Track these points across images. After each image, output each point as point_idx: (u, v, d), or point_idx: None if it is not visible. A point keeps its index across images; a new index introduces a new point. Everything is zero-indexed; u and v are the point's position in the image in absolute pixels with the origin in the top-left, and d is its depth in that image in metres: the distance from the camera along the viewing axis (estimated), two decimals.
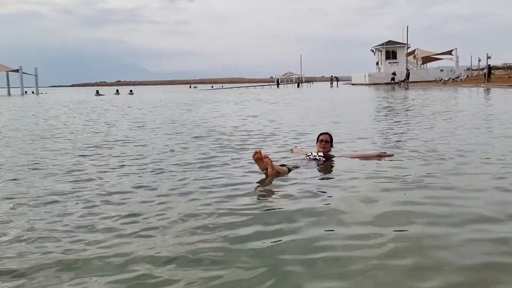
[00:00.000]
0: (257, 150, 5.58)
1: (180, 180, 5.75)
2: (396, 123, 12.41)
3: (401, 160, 6.60)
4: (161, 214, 4.25)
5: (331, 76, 79.66)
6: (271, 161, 5.43)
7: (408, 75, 55.41)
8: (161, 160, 7.16)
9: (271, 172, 5.42)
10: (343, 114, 17.13)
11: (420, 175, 5.49)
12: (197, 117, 16.35)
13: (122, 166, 6.65)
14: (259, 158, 5.42)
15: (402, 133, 10.18)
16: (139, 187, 5.34)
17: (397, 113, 16.57)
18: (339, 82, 75.34)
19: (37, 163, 7.07)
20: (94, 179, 5.80)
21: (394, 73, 57.40)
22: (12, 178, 5.94)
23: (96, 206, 4.49)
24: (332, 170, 6.11)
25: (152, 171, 6.29)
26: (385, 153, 6.86)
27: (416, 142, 8.48)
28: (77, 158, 7.47)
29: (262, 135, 10.35)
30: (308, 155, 6.54)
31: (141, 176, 6.01)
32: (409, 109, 18.57)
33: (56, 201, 4.69)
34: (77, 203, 4.58)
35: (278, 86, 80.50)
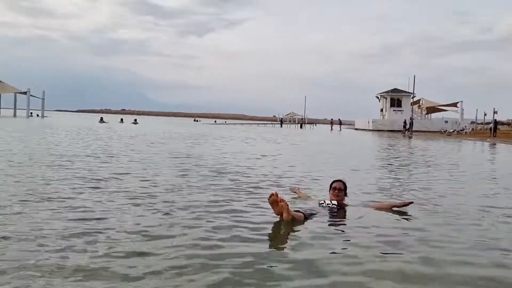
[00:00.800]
0: (274, 192, 5.30)
1: (187, 218, 5.60)
2: (414, 175, 12.16)
3: (418, 211, 6.39)
4: (169, 254, 4.12)
5: (331, 119, 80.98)
6: (288, 206, 5.13)
7: (411, 124, 55.41)
8: (172, 200, 6.84)
9: (287, 218, 5.12)
10: (354, 158, 16.77)
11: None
12: (206, 152, 16.18)
13: (133, 203, 6.33)
14: (274, 201, 5.15)
15: (413, 183, 9.74)
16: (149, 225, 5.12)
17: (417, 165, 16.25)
18: (342, 126, 75.55)
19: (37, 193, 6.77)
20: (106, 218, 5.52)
21: (405, 122, 57.08)
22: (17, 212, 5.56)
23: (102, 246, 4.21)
24: (346, 222, 5.81)
25: (161, 212, 5.96)
26: (403, 203, 6.56)
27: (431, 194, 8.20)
28: (82, 190, 7.16)
29: (275, 175, 10.18)
30: (321, 203, 6.24)
31: (150, 216, 5.74)
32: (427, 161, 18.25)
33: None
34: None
35: (281, 126, 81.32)
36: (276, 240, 4.92)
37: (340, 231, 5.30)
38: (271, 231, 5.13)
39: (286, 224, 5.15)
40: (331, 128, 72.90)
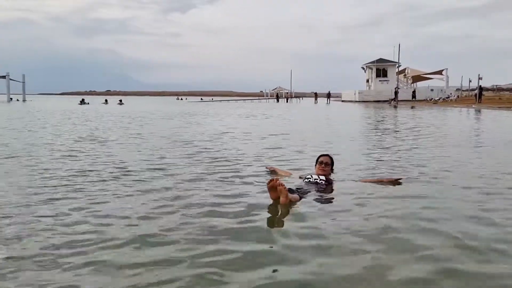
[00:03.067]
0: (274, 178, 5.23)
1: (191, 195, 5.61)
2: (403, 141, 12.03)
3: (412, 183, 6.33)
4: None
5: (315, 92, 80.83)
6: (287, 190, 5.02)
7: (396, 93, 55.18)
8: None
9: (284, 202, 4.99)
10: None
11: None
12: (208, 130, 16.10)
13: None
14: (273, 186, 5.03)
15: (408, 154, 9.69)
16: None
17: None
18: (330, 99, 74.61)
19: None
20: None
21: (396, 91, 56.12)
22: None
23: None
24: (339, 197, 5.69)
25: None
26: (390, 179, 6.44)
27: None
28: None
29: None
30: (308, 178, 6.09)
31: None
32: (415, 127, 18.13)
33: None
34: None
35: (278, 101, 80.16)
36: (276, 222, 4.75)
37: (338, 208, 5.20)
38: (269, 214, 4.97)
39: (283, 206, 5.03)
40: (315, 101, 72.48)
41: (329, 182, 6.06)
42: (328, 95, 73.73)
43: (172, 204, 5.24)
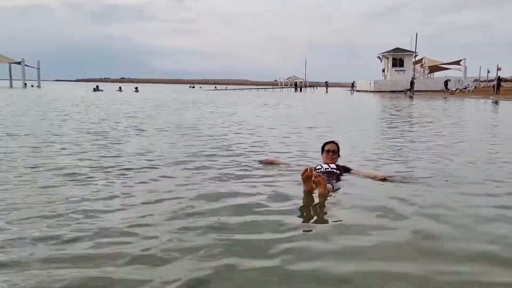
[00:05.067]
0: (308, 168, 5.02)
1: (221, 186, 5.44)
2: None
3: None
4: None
5: (326, 82, 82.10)
6: (325, 181, 4.90)
7: (412, 84, 54.53)
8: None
9: (323, 193, 4.87)
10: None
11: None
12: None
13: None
14: (309, 177, 4.90)
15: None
16: None
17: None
18: (352, 89, 74.30)
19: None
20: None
21: (412, 82, 55.43)
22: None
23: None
24: (355, 187, 5.57)
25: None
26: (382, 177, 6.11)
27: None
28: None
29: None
30: (318, 169, 5.91)
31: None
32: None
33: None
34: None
35: (300, 90, 79.67)
36: (311, 213, 4.64)
37: (362, 197, 5.09)
38: (302, 204, 4.84)
39: (321, 196, 4.90)
40: (326, 90, 72.48)
41: (339, 169, 5.94)
42: (352, 85, 73.87)
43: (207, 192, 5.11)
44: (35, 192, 5.17)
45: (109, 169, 6.64)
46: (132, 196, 5.01)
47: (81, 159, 7.47)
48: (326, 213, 4.47)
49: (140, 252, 3.36)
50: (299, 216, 4.36)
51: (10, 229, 3.75)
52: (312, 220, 4.31)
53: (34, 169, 6.71)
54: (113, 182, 5.77)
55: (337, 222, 4.17)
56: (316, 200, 4.83)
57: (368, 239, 3.73)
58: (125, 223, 4.06)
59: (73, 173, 6.33)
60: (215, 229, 3.91)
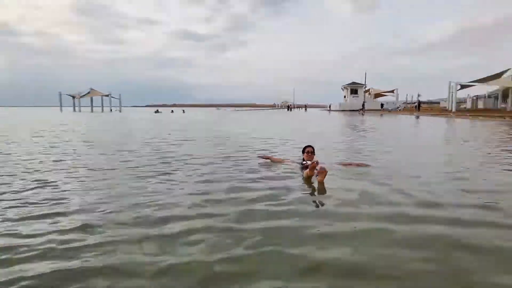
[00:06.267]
0: (315, 161, 4.94)
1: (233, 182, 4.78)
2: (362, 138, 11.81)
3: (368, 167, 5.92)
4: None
5: (305, 105, 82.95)
6: (326, 172, 4.70)
7: (363, 105, 54.44)
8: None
9: (321, 180, 4.67)
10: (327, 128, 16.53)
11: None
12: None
13: None
14: (313, 167, 4.80)
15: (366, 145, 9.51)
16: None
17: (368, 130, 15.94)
18: (324, 108, 73.24)
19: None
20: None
21: (363, 105, 54.82)
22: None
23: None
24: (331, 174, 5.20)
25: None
26: (360, 163, 6.08)
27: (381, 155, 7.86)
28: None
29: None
30: (303, 163, 5.79)
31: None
32: (370, 127, 17.92)
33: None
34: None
35: (290, 110, 76.10)
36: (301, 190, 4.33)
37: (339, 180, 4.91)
38: (307, 187, 4.56)
39: (320, 183, 4.60)
40: (305, 110, 72.72)
41: (314, 163, 5.61)
42: (330, 106, 72.30)
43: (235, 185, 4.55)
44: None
45: (170, 160, 6.48)
46: (196, 182, 4.65)
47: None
48: (325, 193, 4.20)
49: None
50: (310, 200, 3.99)
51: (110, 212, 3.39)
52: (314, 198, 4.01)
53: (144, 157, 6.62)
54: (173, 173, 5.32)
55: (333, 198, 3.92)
56: (316, 185, 4.57)
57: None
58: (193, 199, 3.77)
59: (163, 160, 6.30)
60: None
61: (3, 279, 2.19)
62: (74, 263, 2.38)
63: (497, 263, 2.46)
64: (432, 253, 2.57)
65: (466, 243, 2.76)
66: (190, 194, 4.14)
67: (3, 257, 2.49)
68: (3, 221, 3.23)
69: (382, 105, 60.00)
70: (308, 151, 6.09)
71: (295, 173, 5.37)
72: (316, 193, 4.34)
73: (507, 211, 3.53)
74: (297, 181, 4.85)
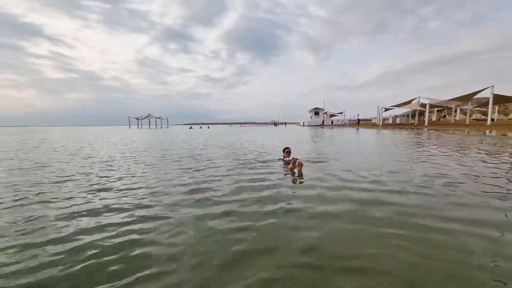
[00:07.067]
0: (293, 159, 4.70)
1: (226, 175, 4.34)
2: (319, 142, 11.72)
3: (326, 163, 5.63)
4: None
5: (285, 122, 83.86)
6: (302, 164, 4.56)
7: (323, 122, 55.02)
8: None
9: (300, 169, 4.53)
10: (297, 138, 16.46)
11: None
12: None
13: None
14: (294, 163, 4.63)
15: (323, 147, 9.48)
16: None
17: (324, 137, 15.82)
18: (294, 125, 73.50)
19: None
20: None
21: (323, 122, 56.12)
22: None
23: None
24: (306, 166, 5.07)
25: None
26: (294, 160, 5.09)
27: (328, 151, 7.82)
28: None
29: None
30: (285, 159, 5.47)
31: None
32: (329, 136, 17.93)
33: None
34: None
35: (276, 126, 74.71)
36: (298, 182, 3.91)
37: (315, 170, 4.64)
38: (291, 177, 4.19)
39: (299, 172, 4.38)
40: (285, 126, 70.95)
41: (293, 159, 5.05)
42: (284, 123, 71.54)
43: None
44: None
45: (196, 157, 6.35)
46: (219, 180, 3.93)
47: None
48: (304, 182, 3.88)
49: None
50: (292, 187, 3.60)
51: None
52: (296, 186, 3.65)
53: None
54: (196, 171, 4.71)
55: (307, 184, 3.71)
56: (297, 174, 4.33)
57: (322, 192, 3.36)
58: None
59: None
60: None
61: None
62: None
63: (394, 213, 2.61)
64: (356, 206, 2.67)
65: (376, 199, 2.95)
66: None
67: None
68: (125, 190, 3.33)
69: (332, 121, 60.58)
70: (287, 151, 5.80)
71: (284, 167, 5.05)
72: (297, 176, 4.24)
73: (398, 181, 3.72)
74: (286, 171, 4.70)
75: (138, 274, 1.61)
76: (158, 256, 1.77)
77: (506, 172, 4.10)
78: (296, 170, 4.64)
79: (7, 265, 1.71)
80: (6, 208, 2.71)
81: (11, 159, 6.25)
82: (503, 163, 5.04)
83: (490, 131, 14.75)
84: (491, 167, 4.62)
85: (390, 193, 3.15)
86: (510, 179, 3.65)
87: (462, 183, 3.42)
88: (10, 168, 5.05)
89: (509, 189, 3.15)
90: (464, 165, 4.80)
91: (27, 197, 3.08)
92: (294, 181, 3.92)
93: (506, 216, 2.40)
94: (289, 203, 2.75)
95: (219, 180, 4.02)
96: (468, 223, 2.27)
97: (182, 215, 2.37)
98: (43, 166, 5.26)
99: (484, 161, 5.32)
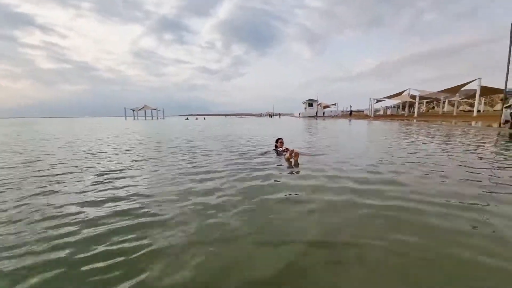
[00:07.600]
0: (290, 149, 4.73)
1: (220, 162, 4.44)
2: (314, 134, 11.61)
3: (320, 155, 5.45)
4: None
5: (279, 113, 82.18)
6: (298, 155, 4.60)
7: (317, 113, 55.02)
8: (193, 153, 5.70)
9: (296, 159, 4.55)
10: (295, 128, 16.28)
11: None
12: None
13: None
14: (291, 153, 4.61)
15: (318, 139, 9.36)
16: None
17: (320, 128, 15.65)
18: (288, 116, 72.85)
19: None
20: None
21: (316, 113, 56.13)
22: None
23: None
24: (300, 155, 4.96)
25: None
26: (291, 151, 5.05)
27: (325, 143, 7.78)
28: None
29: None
30: (279, 150, 5.47)
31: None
32: (323, 127, 17.77)
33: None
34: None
35: (271, 117, 72.19)
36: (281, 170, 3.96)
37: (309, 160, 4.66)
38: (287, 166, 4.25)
39: (295, 162, 4.37)
40: (279, 117, 69.42)
41: (287, 149, 5.36)
42: (300, 114, 70.08)
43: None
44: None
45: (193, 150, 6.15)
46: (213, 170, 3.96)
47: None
48: (299, 172, 3.89)
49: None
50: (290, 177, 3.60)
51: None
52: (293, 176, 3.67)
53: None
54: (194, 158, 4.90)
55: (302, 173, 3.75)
56: (293, 163, 4.36)
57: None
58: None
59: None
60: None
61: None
62: None
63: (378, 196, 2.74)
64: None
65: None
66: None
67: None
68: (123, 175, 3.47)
69: (323, 113, 60.31)
70: (280, 141, 5.78)
71: (280, 159, 4.91)
72: (293, 166, 4.29)
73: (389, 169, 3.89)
74: (282, 161, 4.72)
75: (140, 268, 1.61)
76: (161, 250, 1.78)
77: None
78: (292, 160, 4.63)
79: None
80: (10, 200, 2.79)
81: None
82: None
83: (476, 122, 15.17)
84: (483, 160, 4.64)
85: (385, 183, 3.30)
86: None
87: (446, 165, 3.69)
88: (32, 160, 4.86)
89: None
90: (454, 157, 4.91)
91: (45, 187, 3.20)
92: (291, 172, 3.94)
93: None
94: (289, 193, 2.79)
95: (212, 171, 4.04)
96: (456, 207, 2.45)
97: (179, 209, 2.39)
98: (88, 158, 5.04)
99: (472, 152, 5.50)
